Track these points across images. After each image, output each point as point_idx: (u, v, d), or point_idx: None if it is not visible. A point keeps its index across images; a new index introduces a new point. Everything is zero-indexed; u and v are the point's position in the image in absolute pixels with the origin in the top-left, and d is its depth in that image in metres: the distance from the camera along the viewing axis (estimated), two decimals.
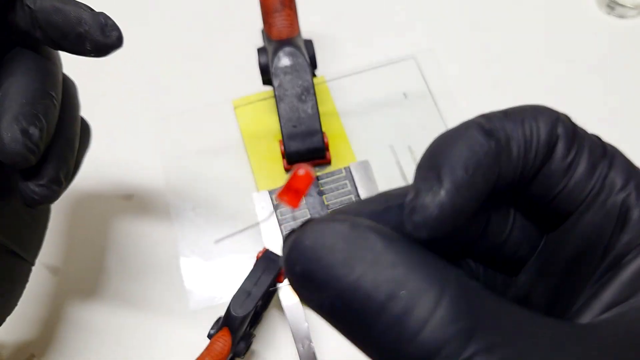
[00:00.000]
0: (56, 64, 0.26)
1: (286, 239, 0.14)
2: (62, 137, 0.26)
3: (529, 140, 0.15)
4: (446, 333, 0.11)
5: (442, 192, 0.14)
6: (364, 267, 0.12)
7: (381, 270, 0.12)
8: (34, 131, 0.23)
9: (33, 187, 0.25)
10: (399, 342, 0.12)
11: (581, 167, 0.15)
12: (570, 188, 0.15)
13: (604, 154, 0.15)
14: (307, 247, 0.13)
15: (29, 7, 0.23)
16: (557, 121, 0.15)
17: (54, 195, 0.26)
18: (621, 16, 0.48)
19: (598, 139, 0.16)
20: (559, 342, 0.12)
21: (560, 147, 0.15)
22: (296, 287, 0.13)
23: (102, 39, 0.23)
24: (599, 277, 0.14)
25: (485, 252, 0.18)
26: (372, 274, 0.12)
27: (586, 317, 0.14)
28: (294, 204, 0.15)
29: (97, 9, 0.25)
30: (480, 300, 0.12)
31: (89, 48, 0.24)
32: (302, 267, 0.13)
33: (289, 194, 0.15)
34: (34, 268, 0.35)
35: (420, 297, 0.12)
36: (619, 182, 0.15)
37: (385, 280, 0.12)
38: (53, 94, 0.25)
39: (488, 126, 0.15)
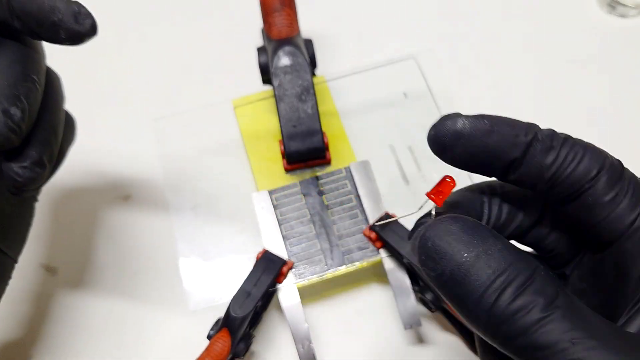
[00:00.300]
0: (39, 52, 0.27)
1: (417, 225, 0.20)
2: (45, 122, 0.27)
3: (567, 162, 0.19)
4: (534, 300, 0.16)
5: (460, 120, 0.19)
6: (480, 249, 0.17)
7: (493, 253, 0.17)
8: (15, 111, 0.24)
9: (16, 168, 0.25)
10: (497, 305, 0.16)
11: (623, 204, 0.18)
12: (611, 219, 0.19)
13: None
14: (440, 229, 0.18)
15: None
16: (604, 161, 0.19)
17: (38, 178, 0.26)
18: (622, 16, 0.48)
19: None
20: (615, 331, 0.16)
21: (602, 183, 0.19)
22: (424, 257, 0.18)
23: (75, 27, 0.24)
24: (635, 303, 0.18)
25: (535, 239, 0.22)
26: (485, 255, 0.17)
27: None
28: (439, 203, 0.20)
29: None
30: (558, 283, 0.17)
31: (63, 36, 0.24)
32: (434, 242, 0.18)
33: (436, 194, 0.20)
34: (33, 269, 0.35)
35: (517, 274, 0.16)
36: None
37: (495, 260, 0.17)
38: (35, 77, 0.25)
39: (538, 133, 0.19)
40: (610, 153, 0.19)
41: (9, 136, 0.24)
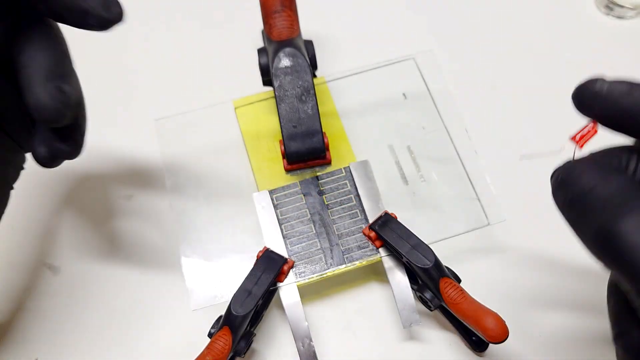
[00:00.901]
0: (61, 32, 0.27)
1: (557, 169, 0.22)
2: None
3: None
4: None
5: (599, 82, 0.22)
6: (600, 179, 0.20)
7: (612, 182, 0.19)
8: (68, 89, 0.25)
9: (64, 147, 0.27)
10: (610, 223, 0.18)
11: None
12: None
13: None
14: (570, 166, 0.21)
15: None
16: None
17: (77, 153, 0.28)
18: (620, 17, 0.48)
19: None
20: None
21: None
22: (555, 189, 0.21)
23: (105, 14, 0.25)
24: None
25: None
26: (604, 184, 0.19)
27: None
28: (580, 146, 0.22)
29: None
30: None
31: (91, 22, 0.25)
32: (563, 177, 0.21)
33: (579, 138, 0.22)
34: (35, 268, 0.35)
35: (633, 199, 0.18)
36: None
37: (613, 188, 0.19)
38: (71, 58, 0.26)
39: None
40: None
41: (65, 113, 0.24)
